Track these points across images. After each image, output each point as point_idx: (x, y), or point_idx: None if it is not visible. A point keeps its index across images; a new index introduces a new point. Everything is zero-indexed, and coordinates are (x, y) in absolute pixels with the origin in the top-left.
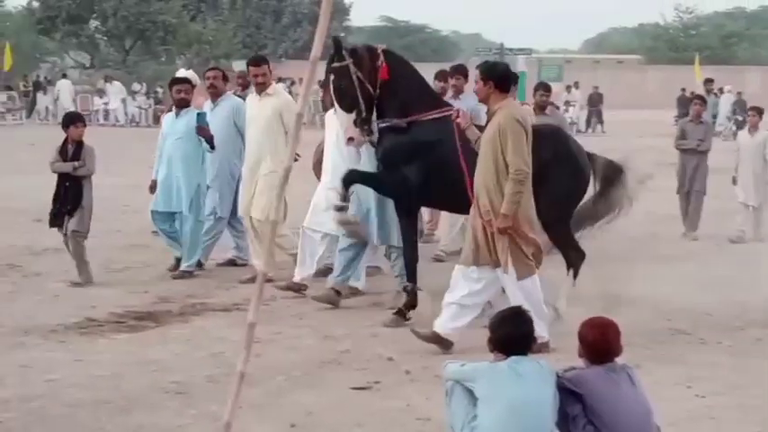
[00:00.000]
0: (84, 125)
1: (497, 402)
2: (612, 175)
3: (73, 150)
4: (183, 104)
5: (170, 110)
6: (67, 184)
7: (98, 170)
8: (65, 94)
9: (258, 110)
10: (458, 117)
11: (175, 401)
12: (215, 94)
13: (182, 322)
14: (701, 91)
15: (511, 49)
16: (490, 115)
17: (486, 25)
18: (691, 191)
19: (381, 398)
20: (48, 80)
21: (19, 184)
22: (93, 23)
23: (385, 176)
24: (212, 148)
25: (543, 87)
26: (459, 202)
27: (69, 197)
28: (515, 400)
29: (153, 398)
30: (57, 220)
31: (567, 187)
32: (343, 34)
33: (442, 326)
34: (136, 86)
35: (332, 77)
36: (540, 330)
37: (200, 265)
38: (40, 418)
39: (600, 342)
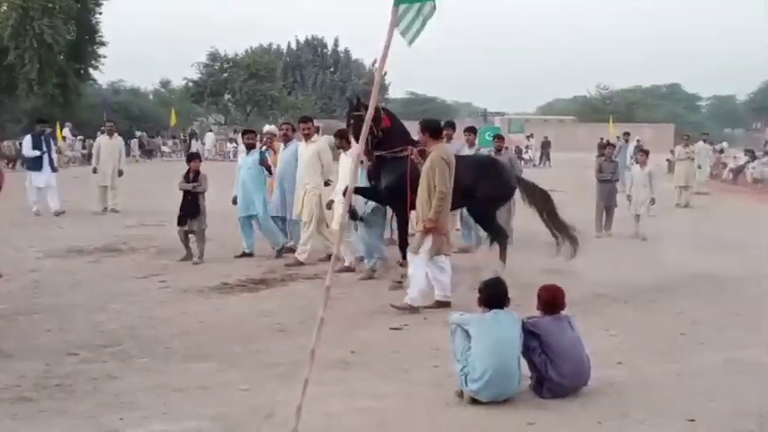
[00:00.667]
0: (200, 161)
1: (484, 339)
2: (534, 192)
3: (193, 176)
4: (250, 147)
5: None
6: (189, 197)
7: (226, 187)
8: (209, 141)
9: (306, 151)
10: (412, 154)
11: (279, 336)
12: (286, 139)
13: (283, 285)
14: (613, 141)
15: (491, 112)
16: (427, 154)
17: (475, 96)
18: (608, 206)
19: (410, 335)
20: (196, 132)
21: (177, 199)
22: (227, 96)
23: (387, 193)
24: (270, 174)
25: (498, 137)
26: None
27: (190, 206)
28: (496, 338)
29: (265, 334)
30: (181, 220)
31: (490, 193)
32: (383, 104)
33: (436, 295)
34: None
35: (352, 122)
36: (412, 294)
37: (290, 249)
38: (196, 345)
39: (551, 300)
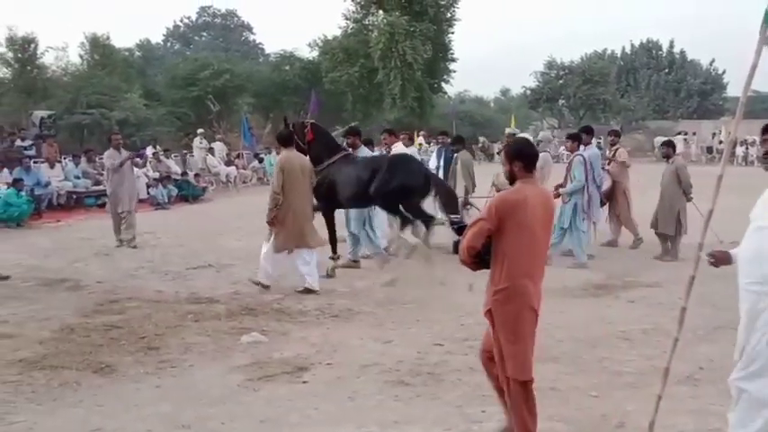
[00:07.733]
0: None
1: None
2: (446, 196)
3: None
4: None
5: None
6: None
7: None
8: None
9: None
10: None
11: (624, 344)
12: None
13: (623, 292)
14: None
15: None
16: None
17: None
18: None
19: None
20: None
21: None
22: (561, 101)
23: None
24: None
25: (665, 144)
26: (355, 202)
27: None
28: None
29: (609, 340)
30: None
31: (394, 186)
32: (720, 102)
33: (306, 283)
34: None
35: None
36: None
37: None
38: (544, 346)
39: None
